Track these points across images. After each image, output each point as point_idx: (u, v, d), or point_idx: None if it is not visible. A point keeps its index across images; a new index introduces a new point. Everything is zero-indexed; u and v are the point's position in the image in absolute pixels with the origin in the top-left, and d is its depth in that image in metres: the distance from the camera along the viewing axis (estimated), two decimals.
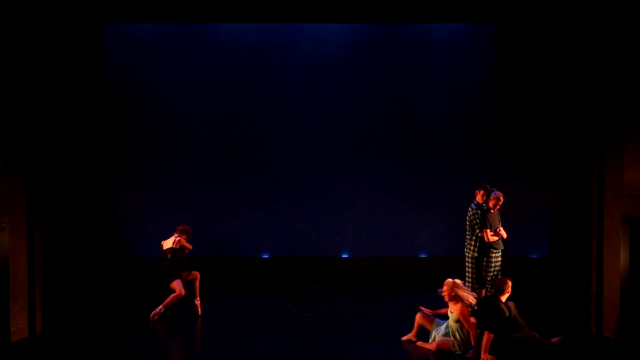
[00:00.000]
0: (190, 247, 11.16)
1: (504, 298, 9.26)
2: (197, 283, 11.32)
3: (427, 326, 9.76)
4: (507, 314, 9.13)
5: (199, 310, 11.26)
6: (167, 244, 11.11)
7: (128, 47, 14.46)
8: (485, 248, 10.71)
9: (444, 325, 9.56)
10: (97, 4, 10.61)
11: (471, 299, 9.37)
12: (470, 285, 10.73)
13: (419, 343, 9.64)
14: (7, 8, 9.73)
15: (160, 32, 14.46)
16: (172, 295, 10.89)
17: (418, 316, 9.83)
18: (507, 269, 11.23)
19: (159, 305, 10.90)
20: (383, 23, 14.21)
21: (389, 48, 14.64)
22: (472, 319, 9.32)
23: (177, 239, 11.09)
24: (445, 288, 9.40)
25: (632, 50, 9.48)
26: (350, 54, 14.66)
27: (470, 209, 10.81)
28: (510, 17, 11.44)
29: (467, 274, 10.78)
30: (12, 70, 9.85)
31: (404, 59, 14.63)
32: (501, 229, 10.78)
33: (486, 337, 8.95)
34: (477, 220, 10.70)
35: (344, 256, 14.88)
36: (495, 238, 10.72)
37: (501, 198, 10.75)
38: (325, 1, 10.75)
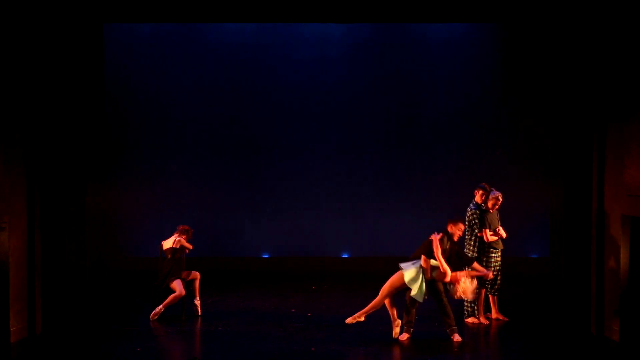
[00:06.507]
0: (191, 247, 11.16)
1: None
2: (197, 283, 11.32)
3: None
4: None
5: (199, 310, 11.26)
6: (167, 244, 11.11)
7: (128, 47, 14.47)
8: (484, 248, 10.71)
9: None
10: (97, 4, 10.60)
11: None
12: None
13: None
14: (7, 8, 9.73)
15: (160, 32, 14.47)
16: (172, 295, 10.89)
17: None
18: (507, 269, 11.23)
19: (159, 305, 10.90)
20: (384, 23, 14.21)
21: (389, 48, 14.65)
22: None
23: (177, 239, 11.09)
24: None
25: (632, 50, 9.48)
26: (351, 54, 14.67)
27: (469, 209, 10.81)
28: (511, 17, 11.43)
29: None
30: (12, 71, 9.84)
31: (403, 59, 14.64)
32: (500, 228, 10.78)
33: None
34: (476, 221, 10.70)
35: (344, 256, 14.89)
36: (495, 238, 10.72)
37: (500, 198, 10.75)
38: (326, 1, 10.75)
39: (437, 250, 9.75)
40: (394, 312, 9.99)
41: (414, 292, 9.73)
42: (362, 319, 10.02)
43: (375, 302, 9.98)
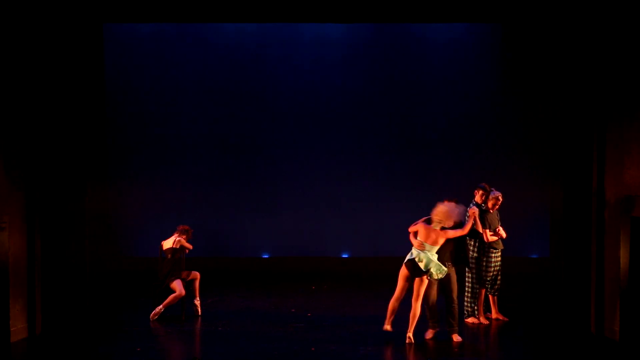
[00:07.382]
0: (191, 247, 11.16)
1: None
2: (197, 283, 11.32)
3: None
4: None
5: (199, 310, 11.26)
6: (167, 244, 11.11)
7: (128, 47, 14.48)
8: (484, 248, 10.71)
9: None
10: (97, 4, 10.61)
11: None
12: (470, 285, 10.74)
13: None
14: (7, 8, 9.73)
15: (160, 32, 14.48)
16: (172, 295, 10.89)
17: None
18: (507, 269, 11.23)
19: (159, 305, 10.90)
20: (384, 24, 14.22)
21: (389, 48, 14.66)
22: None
23: (177, 239, 11.09)
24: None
25: (631, 50, 9.48)
26: (350, 54, 14.68)
27: (469, 209, 10.80)
28: (511, 17, 11.44)
29: (467, 273, 10.78)
30: (12, 71, 9.85)
31: (403, 59, 14.65)
32: (500, 228, 10.78)
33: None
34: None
35: (344, 256, 14.89)
36: (495, 238, 10.72)
37: (500, 198, 10.75)
38: (326, 1, 10.75)
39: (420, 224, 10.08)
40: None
41: (431, 272, 9.63)
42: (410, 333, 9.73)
43: (413, 311, 9.71)
